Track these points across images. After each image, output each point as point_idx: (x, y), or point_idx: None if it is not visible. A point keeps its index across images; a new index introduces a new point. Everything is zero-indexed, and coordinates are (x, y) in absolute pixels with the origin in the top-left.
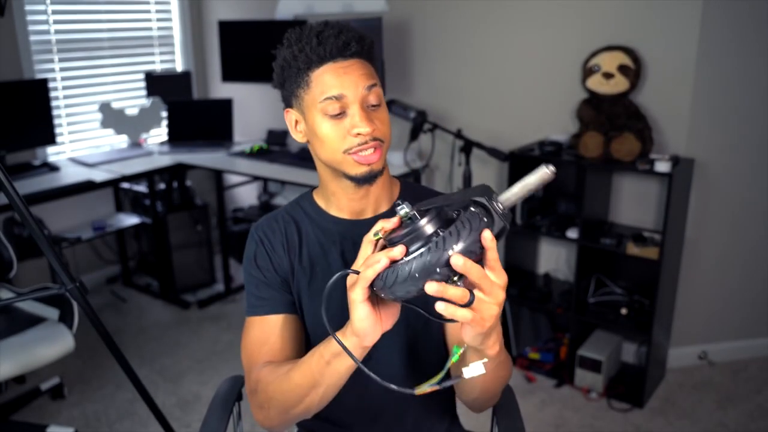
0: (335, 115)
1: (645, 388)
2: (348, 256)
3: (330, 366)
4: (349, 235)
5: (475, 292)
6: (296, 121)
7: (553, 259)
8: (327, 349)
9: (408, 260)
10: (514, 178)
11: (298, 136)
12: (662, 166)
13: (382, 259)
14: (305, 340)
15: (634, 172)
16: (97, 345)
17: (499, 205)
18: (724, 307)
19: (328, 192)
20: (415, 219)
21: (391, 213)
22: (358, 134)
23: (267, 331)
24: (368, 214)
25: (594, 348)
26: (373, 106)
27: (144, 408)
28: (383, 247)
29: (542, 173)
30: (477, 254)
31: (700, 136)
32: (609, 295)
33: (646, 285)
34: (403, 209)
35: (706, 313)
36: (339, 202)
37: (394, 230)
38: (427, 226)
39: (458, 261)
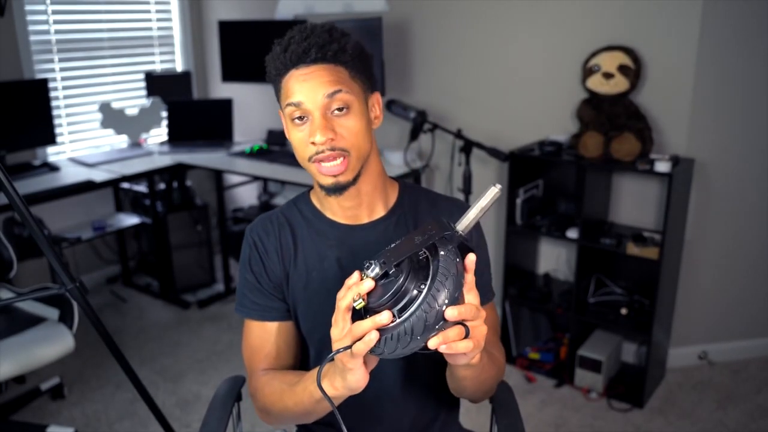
0: (299, 120)
1: (645, 388)
2: (345, 263)
3: (320, 404)
4: (346, 241)
5: (467, 323)
6: (285, 125)
7: (553, 259)
8: (317, 390)
9: (401, 322)
10: (514, 178)
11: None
12: (662, 166)
13: (373, 333)
14: (301, 344)
15: (634, 172)
16: (97, 345)
17: (461, 234)
18: (724, 307)
19: (321, 195)
20: (390, 276)
21: (389, 218)
22: (313, 143)
23: (263, 337)
24: (364, 219)
25: (594, 348)
26: (339, 110)
27: (144, 408)
28: (364, 310)
29: (494, 194)
30: (460, 291)
31: (700, 136)
32: (609, 295)
33: (646, 285)
34: (374, 270)
35: (706, 313)
36: (332, 207)
37: (372, 291)
38: (408, 284)
39: (453, 313)
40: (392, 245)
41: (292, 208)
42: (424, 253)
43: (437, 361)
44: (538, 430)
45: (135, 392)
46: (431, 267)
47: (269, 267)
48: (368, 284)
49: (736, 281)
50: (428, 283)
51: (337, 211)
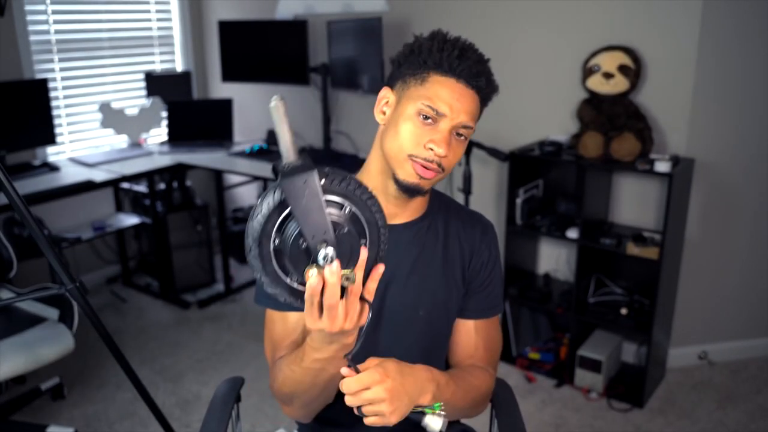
0: (423, 119)
1: (645, 388)
2: None
3: (323, 370)
4: None
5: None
6: (386, 102)
7: (553, 259)
8: (312, 350)
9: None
10: (514, 178)
11: (379, 116)
12: (662, 166)
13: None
14: None
15: (634, 172)
16: (97, 345)
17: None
18: (724, 307)
19: (371, 185)
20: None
21: (422, 221)
22: (431, 150)
23: (284, 328)
24: (401, 219)
25: (594, 348)
26: (458, 135)
27: (144, 408)
28: None
29: (281, 110)
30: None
31: (700, 136)
32: (609, 295)
33: (646, 285)
34: (333, 254)
35: (706, 313)
36: (379, 199)
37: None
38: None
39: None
40: (305, 217)
41: None
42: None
43: (437, 357)
44: (538, 430)
45: (135, 392)
46: (348, 227)
47: None
48: (363, 257)
49: (737, 281)
50: (368, 236)
51: (382, 203)
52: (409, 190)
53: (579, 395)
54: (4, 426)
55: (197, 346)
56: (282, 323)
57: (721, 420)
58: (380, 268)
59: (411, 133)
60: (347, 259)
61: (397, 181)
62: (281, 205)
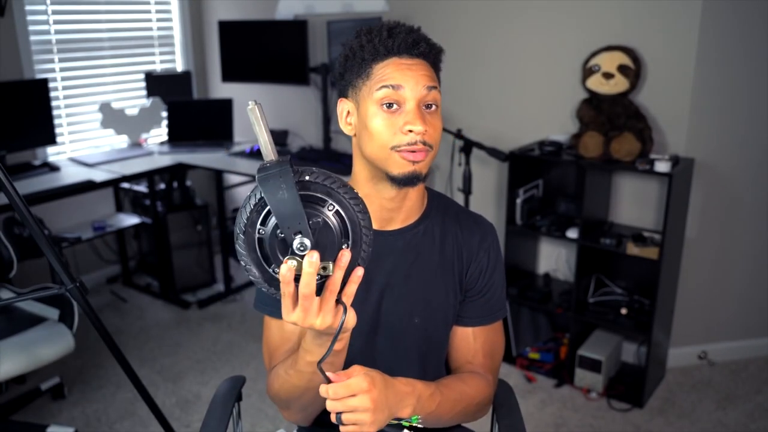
0: (388, 107)
1: (645, 388)
2: (369, 267)
3: (315, 375)
4: (374, 246)
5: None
6: (348, 112)
7: (553, 259)
8: (306, 353)
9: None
10: (514, 178)
11: (346, 128)
12: (662, 166)
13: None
14: None
15: (634, 172)
16: (97, 345)
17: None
18: (724, 307)
19: (362, 193)
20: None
21: (417, 226)
22: (410, 131)
23: (286, 335)
24: (396, 225)
25: (594, 348)
26: (428, 107)
27: (144, 408)
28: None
29: (258, 113)
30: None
31: (700, 136)
32: (609, 295)
33: (646, 285)
34: (309, 244)
35: (706, 313)
36: (371, 206)
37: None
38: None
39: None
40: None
41: None
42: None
43: (435, 363)
44: (538, 430)
45: (135, 392)
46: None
47: None
48: (346, 259)
49: (737, 281)
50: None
51: (375, 212)
52: (409, 181)
53: (579, 395)
54: (4, 426)
55: (197, 346)
56: (279, 330)
57: (720, 420)
58: (359, 271)
59: (383, 126)
60: (323, 252)
61: (393, 179)
62: (263, 199)
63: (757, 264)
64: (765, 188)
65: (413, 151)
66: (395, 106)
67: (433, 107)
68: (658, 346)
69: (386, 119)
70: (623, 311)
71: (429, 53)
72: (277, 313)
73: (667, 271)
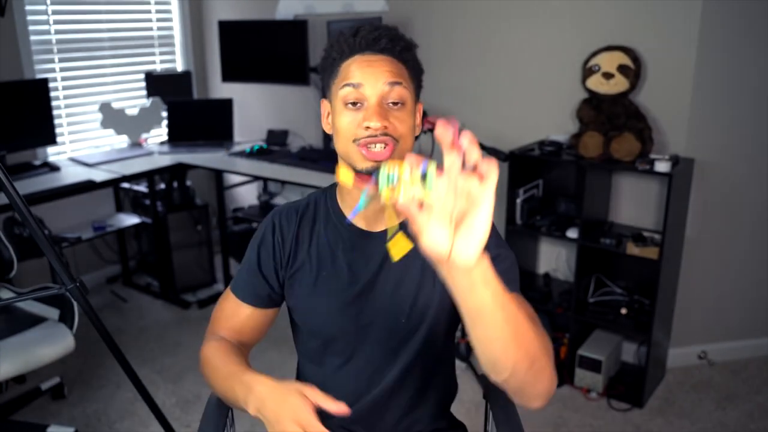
0: (353, 105)
1: (645, 387)
2: (355, 268)
3: (236, 403)
4: (360, 247)
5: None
6: (328, 113)
7: (553, 259)
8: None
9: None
10: (514, 178)
11: (327, 127)
12: (662, 166)
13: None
14: (264, 331)
15: (634, 172)
16: (97, 345)
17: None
18: (724, 307)
19: (344, 191)
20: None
21: (400, 227)
22: (368, 127)
23: (235, 313)
24: (380, 227)
25: (594, 348)
26: (394, 104)
27: (144, 408)
28: None
29: None
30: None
31: (700, 136)
32: (609, 295)
33: (646, 285)
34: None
35: (706, 313)
36: (354, 205)
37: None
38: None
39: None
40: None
41: (320, 198)
42: None
43: (431, 360)
44: (538, 430)
45: (135, 392)
46: None
47: (277, 255)
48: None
49: (737, 281)
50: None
51: (361, 211)
52: (372, 174)
53: (579, 395)
54: (4, 426)
55: (197, 346)
56: (234, 305)
57: (720, 420)
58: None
59: (346, 122)
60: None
61: (359, 172)
62: None
63: (757, 264)
64: (765, 188)
65: (373, 143)
66: (359, 104)
67: (399, 104)
68: (658, 346)
69: (349, 115)
70: (623, 311)
71: (393, 48)
72: (238, 293)
73: (667, 271)
